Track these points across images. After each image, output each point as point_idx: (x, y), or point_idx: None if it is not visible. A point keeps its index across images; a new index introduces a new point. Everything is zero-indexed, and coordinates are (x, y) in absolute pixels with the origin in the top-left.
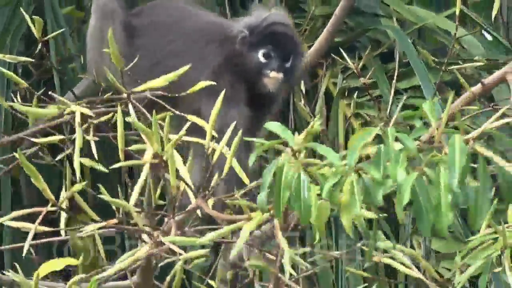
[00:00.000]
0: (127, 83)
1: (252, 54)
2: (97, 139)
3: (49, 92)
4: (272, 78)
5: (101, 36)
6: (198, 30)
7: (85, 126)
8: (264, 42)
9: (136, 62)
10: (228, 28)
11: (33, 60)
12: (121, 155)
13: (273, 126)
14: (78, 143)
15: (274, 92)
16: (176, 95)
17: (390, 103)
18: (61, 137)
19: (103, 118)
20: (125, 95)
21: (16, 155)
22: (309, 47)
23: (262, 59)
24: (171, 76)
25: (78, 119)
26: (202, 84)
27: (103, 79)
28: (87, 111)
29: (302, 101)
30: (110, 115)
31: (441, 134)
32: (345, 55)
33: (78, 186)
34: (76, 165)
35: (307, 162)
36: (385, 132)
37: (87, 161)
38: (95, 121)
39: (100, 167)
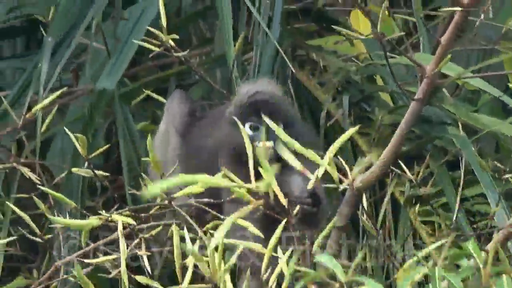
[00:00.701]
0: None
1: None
2: (149, 253)
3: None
4: (263, 148)
5: (165, 140)
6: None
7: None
8: (248, 114)
9: (184, 165)
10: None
11: (108, 175)
12: (178, 274)
13: (324, 258)
14: (123, 256)
15: None
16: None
17: (456, 210)
18: (113, 256)
19: (152, 232)
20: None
21: None
22: (378, 156)
23: (250, 133)
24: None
25: (120, 227)
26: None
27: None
28: (129, 220)
29: (365, 216)
30: (159, 228)
31: (488, 275)
32: (404, 166)
33: None
34: (124, 278)
35: None
36: (432, 272)
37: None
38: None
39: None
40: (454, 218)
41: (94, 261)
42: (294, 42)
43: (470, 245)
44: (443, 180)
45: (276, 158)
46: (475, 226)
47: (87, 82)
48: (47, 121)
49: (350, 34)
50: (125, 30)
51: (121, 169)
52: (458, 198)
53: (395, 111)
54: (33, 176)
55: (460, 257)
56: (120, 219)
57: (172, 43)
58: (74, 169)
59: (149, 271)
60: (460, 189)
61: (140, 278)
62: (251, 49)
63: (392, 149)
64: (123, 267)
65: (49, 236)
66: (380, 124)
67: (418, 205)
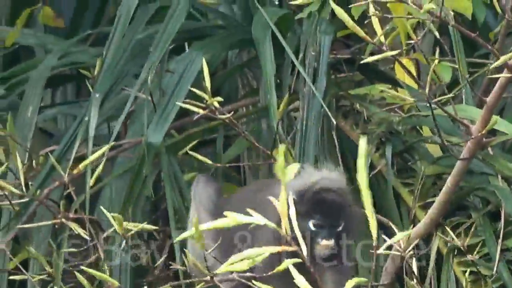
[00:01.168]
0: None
1: (303, 223)
2: None
3: None
4: (323, 245)
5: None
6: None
7: None
8: (313, 211)
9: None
10: None
11: (157, 228)
12: None
13: None
14: None
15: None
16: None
17: (497, 260)
18: None
19: None
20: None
21: None
22: (420, 207)
23: (312, 228)
24: (248, 259)
25: None
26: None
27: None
28: None
29: (414, 281)
30: None
31: None
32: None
33: None
34: None
35: None
36: None
37: None
38: None
39: None
40: (495, 268)
41: None
42: (338, 92)
43: None
44: (485, 230)
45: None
46: None
47: (135, 134)
48: (95, 175)
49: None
50: (171, 82)
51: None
52: (499, 248)
53: (437, 162)
54: (82, 232)
55: None
56: None
57: (216, 104)
58: (117, 218)
59: None
60: (500, 240)
61: None
62: (296, 98)
63: (438, 208)
64: None
65: None
66: (423, 175)
67: (459, 255)
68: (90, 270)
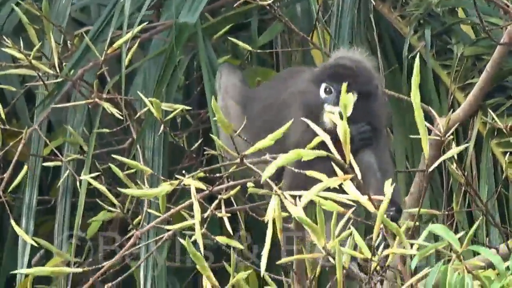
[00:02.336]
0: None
1: (316, 91)
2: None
3: None
4: (329, 112)
5: (226, 113)
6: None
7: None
8: (326, 75)
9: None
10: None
11: (191, 109)
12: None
13: (438, 228)
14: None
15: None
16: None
17: None
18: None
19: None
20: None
21: None
22: (459, 88)
23: (323, 94)
24: (275, 135)
25: (193, 191)
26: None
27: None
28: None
29: (454, 164)
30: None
31: None
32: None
33: None
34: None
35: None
36: None
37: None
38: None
39: None
40: None
41: (174, 227)
42: None
43: None
44: None
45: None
46: None
47: (169, 17)
48: (128, 55)
49: None
50: None
51: (202, 104)
52: None
53: (476, 43)
54: (115, 111)
55: None
56: (193, 183)
57: None
58: (155, 102)
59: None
60: None
61: (220, 239)
62: None
63: (477, 93)
64: (197, 232)
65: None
66: (461, 56)
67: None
68: (122, 158)
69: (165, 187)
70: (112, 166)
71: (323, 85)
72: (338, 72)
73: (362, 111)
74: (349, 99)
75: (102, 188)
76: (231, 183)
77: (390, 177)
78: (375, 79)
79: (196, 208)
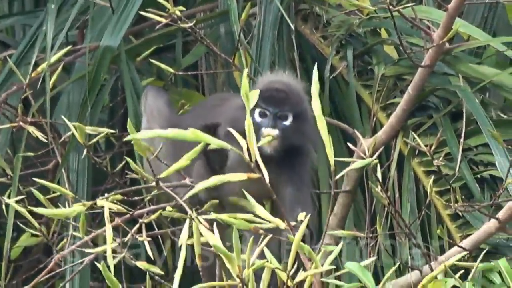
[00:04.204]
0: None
1: (252, 117)
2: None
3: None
4: (266, 136)
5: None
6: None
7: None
8: (260, 99)
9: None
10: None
11: (115, 132)
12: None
13: (355, 268)
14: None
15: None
16: None
17: (459, 160)
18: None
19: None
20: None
21: None
22: (381, 108)
23: (258, 119)
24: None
25: (107, 214)
26: None
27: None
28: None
29: (379, 187)
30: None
31: None
32: (416, 136)
33: None
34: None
35: None
36: (463, 286)
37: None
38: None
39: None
40: (457, 168)
41: (95, 250)
42: None
43: (501, 263)
44: (446, 130)
45: (282, 149)
46: (477, 176)
47: (92, 40)
48: (52, 79)
49: None
50: None
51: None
52: (461, 148)
53: (397, 64)
54: (40, 135)
55: (492, 271)
56: (107, 205)
57: (178, 13)
58: (79, 127)
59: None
60: (462, 139)
61: (141, 264)
62: (255, 3)
63: (399, 114)
64: (109, 253)
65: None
66: (382, 76)
67: (421, 156)
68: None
69: (78, 208)
70: (34, 190)
71: (257, 110)
72: (272, 96)
73: (296, 132)
74: None
75: (24, 211)
76: (152, 207)
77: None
78: (305, 101)
79: (109, 233)
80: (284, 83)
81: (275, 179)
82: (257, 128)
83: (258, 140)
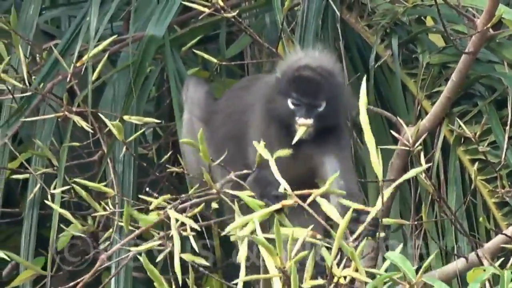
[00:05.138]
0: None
1: (284, 101)
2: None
3: None
4: (301, 125)
5: (191, 127)
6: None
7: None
8: (292, 89)
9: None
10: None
11: (161, 122)
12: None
13: (395, 257)
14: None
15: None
16: None
17: (504, 148)
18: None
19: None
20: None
21: None
22: (426, 96)
23: (291, 106)
24: None
25: (173, 223)
26: None
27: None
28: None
29: (423, 174)
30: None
31: None
32: (461, 124)
33: None
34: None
35: None
36: (501, 274)
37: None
38: None
39: None
40: (503, 156)
41: (139, 249)
42: None
43: None
44: (491, 118)
45: (315, 136)
46: None
47: (138, 29)
48: (98, 69)
49: None
50: None
51: (172, 116)
52: (507, 136)
53: (442, 52)
54: (85, 125)
55: None
56: (173, 215)
57: (221, 3)
58: (125, 117)
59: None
60: (508, 127)
61: (186, 256)
62: None
63: (443, 102)
64: (177, 265)
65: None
66: (427, 64)
67: (466, 144)
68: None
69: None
70: (76, 187)
71: (290, 99)
72: (304, 87)
73: (331, 112)
74: None
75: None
76: (194, 200)
77: (352, 185)
78: (338, 77)
79: (177, 240)
80: (314, 69)
81: (315, 153)
82: (291, 114)
83: (292, 125)
